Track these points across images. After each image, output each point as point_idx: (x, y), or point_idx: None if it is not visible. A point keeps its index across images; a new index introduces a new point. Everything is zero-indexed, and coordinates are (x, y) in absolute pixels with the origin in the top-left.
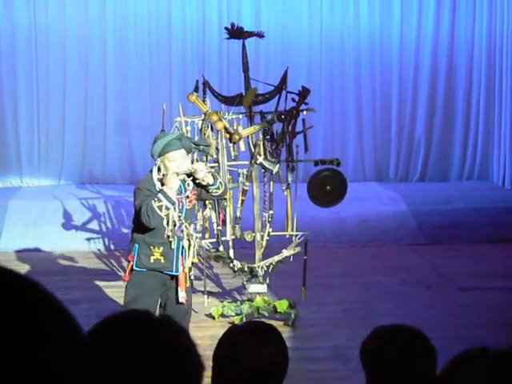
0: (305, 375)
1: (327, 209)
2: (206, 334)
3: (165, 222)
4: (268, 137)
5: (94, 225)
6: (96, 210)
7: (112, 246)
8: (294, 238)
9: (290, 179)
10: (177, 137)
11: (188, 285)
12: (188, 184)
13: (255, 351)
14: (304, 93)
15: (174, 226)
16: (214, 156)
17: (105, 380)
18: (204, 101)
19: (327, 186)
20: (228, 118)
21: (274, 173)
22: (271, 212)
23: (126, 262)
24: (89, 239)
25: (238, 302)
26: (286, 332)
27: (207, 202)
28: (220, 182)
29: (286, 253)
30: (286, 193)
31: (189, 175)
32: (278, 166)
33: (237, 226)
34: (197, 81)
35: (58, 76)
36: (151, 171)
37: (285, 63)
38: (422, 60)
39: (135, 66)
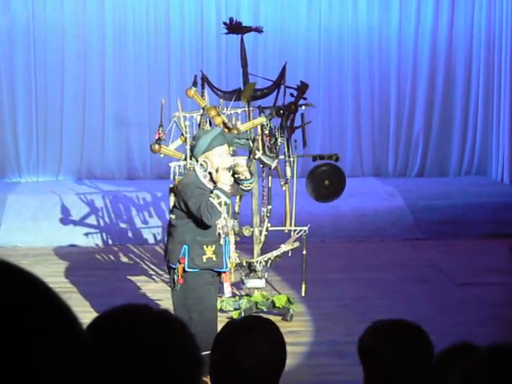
0: (303, 370)
1: (325, 204)
2: None
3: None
4: (266, 132)
5: (92, 220)
6: (94, 205)
7: (110, 241)
8: (292, 233)
9: (288, 174)
10: (220, 132)
11: (232, 280)
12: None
13: (253, 346)
14: (302, 88)
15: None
16: None
17: (103, 374)
18: (202, 96)
19: (326, 181)
20: (226, 113)
21: (272, 168)
22: (270, 207)
23: (126, 258)
24: (87, 234)
25: (237, 297)
26: (284, 327)
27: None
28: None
29: (284, 248)
30: (284, 188)
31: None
32: (276, 160)
33: (235, 220)
34: (195, 76)
35: (56, 72)
36: (189, 169)
37: (283, 58)
38: (421, 55)
39: (133, 62)
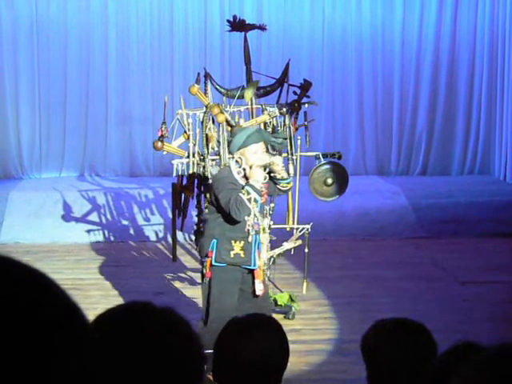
0: (305, 368)
1: (328, 202)
2: None
3: (251, 215)
4: (269, 130)
5: (94, 216)
6: (96, 202)
7: (112, 238)
8: (294, 231)
9: (291, 172)
10: (257, 130)
11: (263, 278)
12: (264, 177)
13: (256, 344)
14: (306, 86)
15: (255, 219)
16: (216, 149)
17: (107, 370)
18: (206, 93)
19: (328, 180)
20: (229, 111)
21: None
22: (272, 205)
23: (128, 255)
24: (89, 231)
25: None
26: (286, 325)
27: (207, 195)
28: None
29: (286, 246)
30: None
31: (264, 168)
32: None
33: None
34: (198, 73)
35: (60, 68)
36: (224, 165)
37: (286, 56)
38: (424, 53)
39: (137, 59)
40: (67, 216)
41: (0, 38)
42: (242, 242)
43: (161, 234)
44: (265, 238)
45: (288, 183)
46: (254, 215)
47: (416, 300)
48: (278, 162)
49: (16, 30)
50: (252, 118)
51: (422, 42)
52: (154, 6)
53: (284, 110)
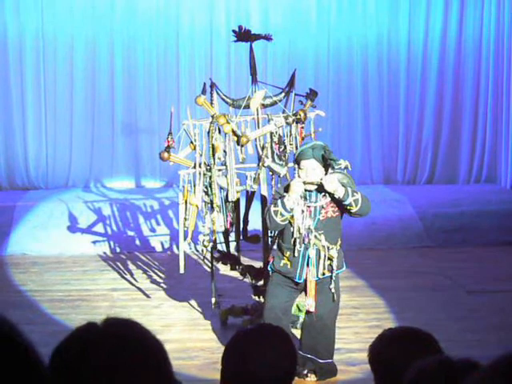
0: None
1: None
2: (213, 337)
3: (295, 228)
4: (275, 139)
5: (100, 228)
6: (102, 213)
7: (117, 249)
8: None
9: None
10: (311, 146)
11: (329, 295)
12: (324, 195)
13: (263, 354)
14: (312, 95)
15: (300, 233)
16: (222, 159)
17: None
18: (212, 103)
19: None
20: (235, 121)
21: (281, 175)
22: None
23: (133, 266)
24: (95, 242)
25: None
26: (293, 335)
27: (215, 205)
28: (355, 200)
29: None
30: None
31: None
32: (285, 168)
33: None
34: (204, 84)
35: (66, 80)
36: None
37: (292, 66)
38: (430, 63)
39: (143, 69)
40: (74, 227)
41: (6, 50)
42: (288, 253)
43: (166, 245)
44: (313, 254)
45: (350, 206)
46: (299, 228)
47: (423, 309)
48: (328, 180)
49: (22, 41)
50: (258, 127)
51: (427, 52)
52: (160, 16)
53: (290, 119)
